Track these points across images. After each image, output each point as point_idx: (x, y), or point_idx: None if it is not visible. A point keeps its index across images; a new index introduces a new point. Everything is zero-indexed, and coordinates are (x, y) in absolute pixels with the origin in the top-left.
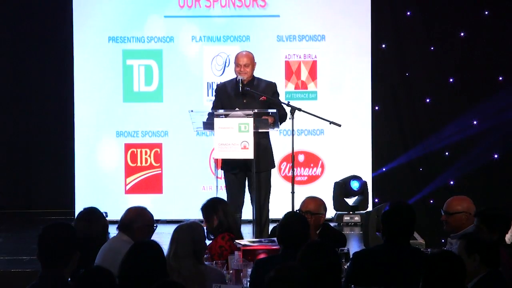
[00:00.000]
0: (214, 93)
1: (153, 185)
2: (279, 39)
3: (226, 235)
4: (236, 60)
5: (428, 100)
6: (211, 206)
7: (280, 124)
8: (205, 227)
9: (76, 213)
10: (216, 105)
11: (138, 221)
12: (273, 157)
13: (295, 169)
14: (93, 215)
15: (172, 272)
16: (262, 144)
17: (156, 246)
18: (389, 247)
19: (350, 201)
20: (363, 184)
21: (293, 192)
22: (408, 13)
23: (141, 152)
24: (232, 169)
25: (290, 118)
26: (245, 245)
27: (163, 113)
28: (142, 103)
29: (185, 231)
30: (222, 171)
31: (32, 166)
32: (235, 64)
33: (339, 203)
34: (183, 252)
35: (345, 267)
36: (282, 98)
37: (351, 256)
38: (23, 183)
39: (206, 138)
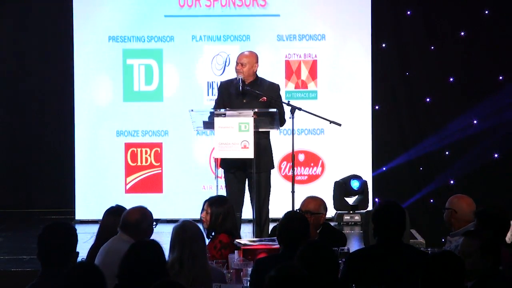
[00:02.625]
0: (217, 92)
1: (153, 184)
2: (279, 39)
3: (218, 243)
4: (237, 58)
5: (428, 100)
6: (220, 203)
7: (279, 126)
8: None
9: (76, 213)
10: (218, 104)
11: (145, 222)
12: (272, 157)
13: (295, 168)
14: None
15: (177, 274)
16: (262, 144)
17: (156, 245)
18: (382, 246)
19: (350, 200)
20: (363, 184)
21: (293, 192)
22: (408, 13)
23: (141, 151)
24: (231, 168)
25: (290, 118)
26: (245, 245)
27: (163, 113)
28: (142, 103)
29: (193, 229)
30: (222, 170)
31: (32, 166)
32: (235, 62)
33: (339, 202)
34: (197, 251)
35: None
36: (282, 97)
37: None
38: (23, 183)
39: (206, 138)
